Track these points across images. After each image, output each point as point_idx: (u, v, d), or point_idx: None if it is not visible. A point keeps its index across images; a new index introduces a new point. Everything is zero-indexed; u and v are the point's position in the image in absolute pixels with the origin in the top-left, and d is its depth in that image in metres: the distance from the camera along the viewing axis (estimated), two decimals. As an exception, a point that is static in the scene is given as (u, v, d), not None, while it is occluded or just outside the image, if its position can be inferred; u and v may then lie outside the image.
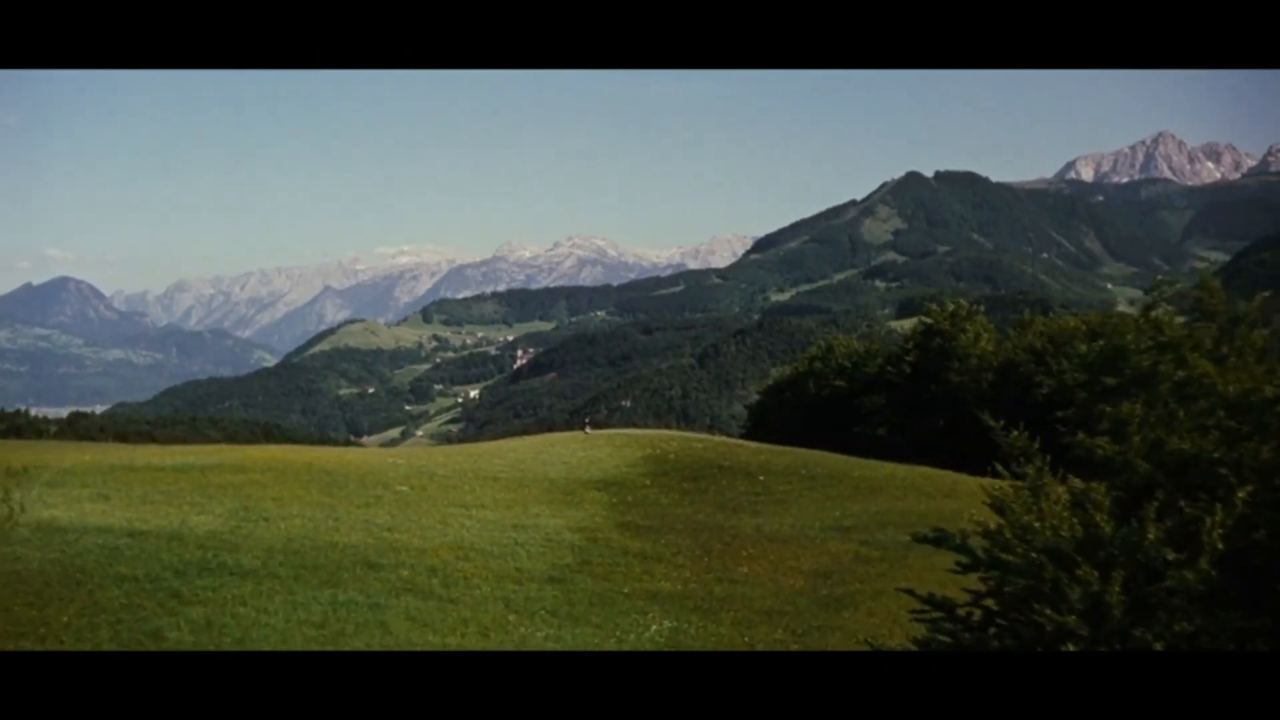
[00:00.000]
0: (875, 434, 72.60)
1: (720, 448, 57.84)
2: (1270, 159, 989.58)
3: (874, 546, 30.49)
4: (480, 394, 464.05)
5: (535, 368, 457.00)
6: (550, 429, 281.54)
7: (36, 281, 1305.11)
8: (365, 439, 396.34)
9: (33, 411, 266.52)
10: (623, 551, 29.15)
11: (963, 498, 39.64)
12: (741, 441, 65.06)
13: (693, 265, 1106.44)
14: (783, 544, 30.90)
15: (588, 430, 67.69)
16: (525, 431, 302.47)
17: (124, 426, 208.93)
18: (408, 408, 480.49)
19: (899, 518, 35.45)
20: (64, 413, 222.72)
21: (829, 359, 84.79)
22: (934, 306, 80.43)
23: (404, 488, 40.00)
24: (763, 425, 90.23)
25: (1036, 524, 12.99)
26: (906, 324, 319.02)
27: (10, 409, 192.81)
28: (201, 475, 38.45)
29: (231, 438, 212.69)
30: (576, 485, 44.75)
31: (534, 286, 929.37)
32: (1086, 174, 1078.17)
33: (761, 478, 46.44)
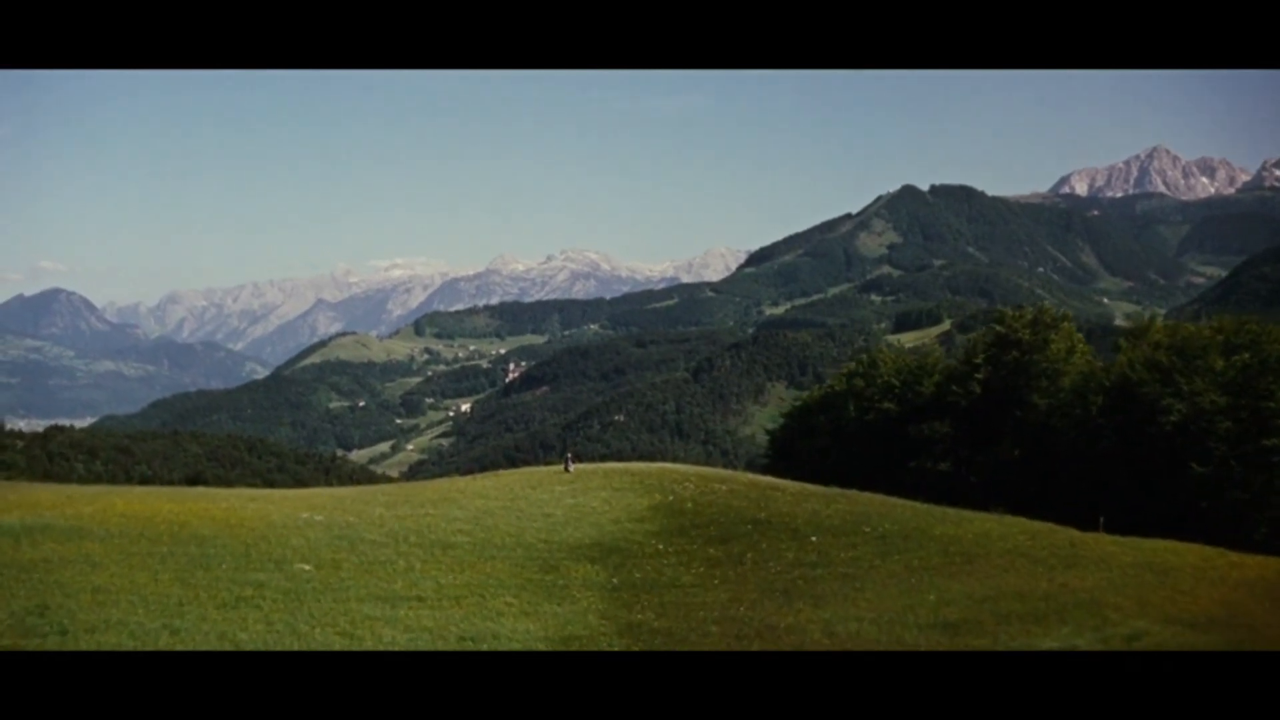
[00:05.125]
0: (937, 469, 60.79)
1: (750, 491, 45.90)
2: (1265, 174, 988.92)
3: (1005, 661, 22.35)
4: (472, 407, 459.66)
5: (527, 381, 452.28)
6: (542, 444, 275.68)
7: (28, 293, 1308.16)
8: (355, 452, 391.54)
9: (21, 425, 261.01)
10: (632, 687, 20.42)
11: (1090, 568, 29.80)
12: (776, 481, 52.31)
13: (686, 279, 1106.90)
14: (872, 659, 22.71)
15: (570, 468, 53.42)
16: (517, 447, 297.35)
17: (101, 441, 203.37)
18: (398, 421, 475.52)
19: (1019, 604, 25.61)
20: (54, 425, 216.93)
21: (873, 376, 71.35)
22: (1008, 311, 67.53)
23: (306, 567, 28.93)
24: (788, 455, 76.96)
25: None
26: (906, 338, 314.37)
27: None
28: (12, 547, 27.94)
29: (213, 453, 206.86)
30: (561, 554, 33.98)
31: (527, 300, 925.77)
32: (1081, 188, 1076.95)
33: (814, 538, 35.95)
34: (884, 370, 71.25)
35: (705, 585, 30.36)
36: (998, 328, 64.09)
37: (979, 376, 62.70)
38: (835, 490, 47.06)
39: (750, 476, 56.30)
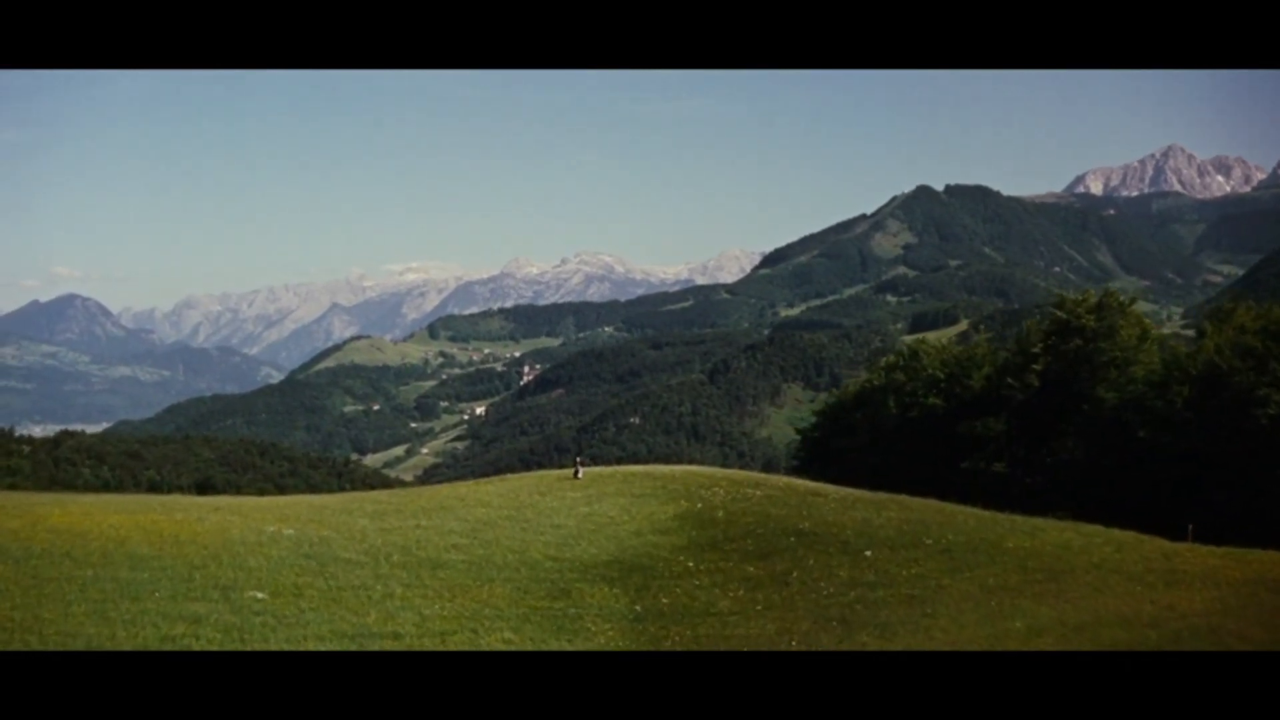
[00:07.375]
0: (991, 470, 55.73)
1: (788, 497, 40.61)
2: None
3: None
4: (486, 411, 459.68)
5: (542, 384, 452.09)
6: (557, 447, 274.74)
7: (44, 299, 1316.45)
8: (369, 456, 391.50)
9: (37, 431, 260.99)
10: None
11: (1196, 586, 25.40)
12: (815, 486, 46.34)
13: (701, 281, 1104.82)
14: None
15: (579, 474, 48.41)
16: (532, 450, 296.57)
17: (111, 446, 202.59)
18: (413, 425, 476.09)
19: (1123, 632, 21.18)
20: (65, 430, 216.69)
21: (915, 369, 65.79)
22: (1068, 295, 62.11)
23: (259, 595, 24.28)
24: (821, 455, 72.06)
25: None
26: (928, 337, 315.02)
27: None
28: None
29: (224, 457, 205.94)
30: (572, 574, 29.44)
31: (541, 303, 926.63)
32: (1096, 188, 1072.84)
33: (868, 553, 31.15)
34: (927, 362, 65.61)
35: (747, 613, 26.24)
36: (1057, 313, 58.63)
37: (1036, 368, 57.37)
38: (884, 495, 42.16)
39: (785, 480, 50.59)
